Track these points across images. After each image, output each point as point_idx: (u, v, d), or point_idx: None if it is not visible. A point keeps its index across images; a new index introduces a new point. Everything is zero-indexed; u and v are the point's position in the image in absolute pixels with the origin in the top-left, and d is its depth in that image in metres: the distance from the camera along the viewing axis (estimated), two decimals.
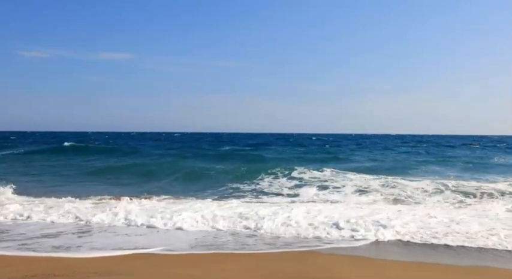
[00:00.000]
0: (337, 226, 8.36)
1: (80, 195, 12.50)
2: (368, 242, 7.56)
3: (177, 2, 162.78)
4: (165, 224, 8.84)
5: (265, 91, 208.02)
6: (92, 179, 17.64)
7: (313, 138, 78.67)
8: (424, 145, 52.47)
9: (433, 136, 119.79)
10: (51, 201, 11.41)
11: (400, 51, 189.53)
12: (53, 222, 9.20)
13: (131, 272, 5.66)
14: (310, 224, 8.59)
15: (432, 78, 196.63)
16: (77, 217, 9.50)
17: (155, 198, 12.36)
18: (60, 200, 11.59)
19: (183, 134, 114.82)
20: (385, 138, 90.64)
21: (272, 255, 6.76)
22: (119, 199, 11.81)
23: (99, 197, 12.35)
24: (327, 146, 46.92)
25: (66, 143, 35.71)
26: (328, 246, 7.34)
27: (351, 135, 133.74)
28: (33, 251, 6.83)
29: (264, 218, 9.14)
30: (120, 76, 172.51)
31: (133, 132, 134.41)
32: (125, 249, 6.98)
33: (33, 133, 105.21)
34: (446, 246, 7.29)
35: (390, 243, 7.55)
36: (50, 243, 7.37)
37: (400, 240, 7.66)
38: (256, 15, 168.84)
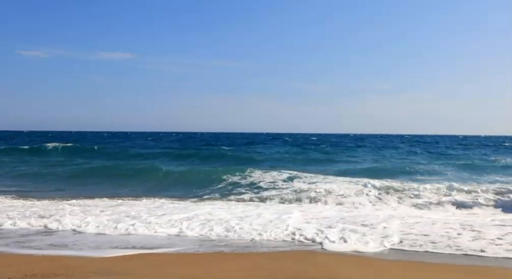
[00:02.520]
0: (305, 236, 7.92)
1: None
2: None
3: (177, 2, 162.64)
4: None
5: (265, 91, 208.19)
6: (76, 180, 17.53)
7: (314, 138, 78.56)
8: (424, 145, 52.32)
9: (433, 136, 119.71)
10: None
11: (400, 51, 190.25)
12: None
13: (131, 272, 5.64)
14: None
15: (432, 78, 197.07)
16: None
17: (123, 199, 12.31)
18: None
19: (177, 134, 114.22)
20: (384, 138, 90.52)
21: (272, 255, 6.77)
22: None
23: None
24: (322, 146, 46.64)
25: (48, 144, 34.93)
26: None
27: (349, 134, 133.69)
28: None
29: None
30: (120, 76, 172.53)
31: (130, 132, 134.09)
32: (123, 248, 6.98)
33: (30, 133, 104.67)
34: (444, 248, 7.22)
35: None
36: None
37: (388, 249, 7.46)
38: (256, 15, 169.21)
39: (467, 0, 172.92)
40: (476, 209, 11.28)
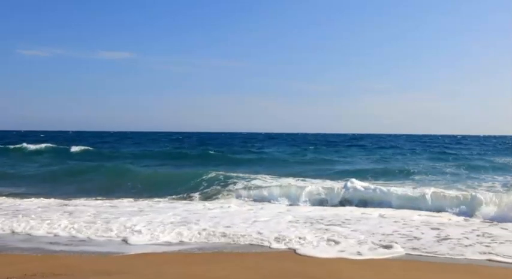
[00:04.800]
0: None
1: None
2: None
3: (177, 2, 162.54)
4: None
5: (265, 91, 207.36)
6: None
7: (311, 138, 78.52)
8: (423, 145, 52.32)
9: (432, 136, 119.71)
10: None
11: (400, 51, 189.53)
12: None
13: (131, 271, 5.63)
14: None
15: (432, 78, 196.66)
16: None
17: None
18: None
19: (176, 133, 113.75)
20: (384, 138, 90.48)
21: (272, 254, 6.76)
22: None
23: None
24: (320, 145, 46.50)
25: (28, 145, 33.34)
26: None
27: (348, 134, 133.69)
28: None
29: None
30: (120, 76, 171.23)
31: (129, 132, 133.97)
32: (123, 248, 6.99)
33: (27, 132, 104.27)
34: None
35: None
36: None
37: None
38: (256, 15, 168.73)
39: (467, 0, 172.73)
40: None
